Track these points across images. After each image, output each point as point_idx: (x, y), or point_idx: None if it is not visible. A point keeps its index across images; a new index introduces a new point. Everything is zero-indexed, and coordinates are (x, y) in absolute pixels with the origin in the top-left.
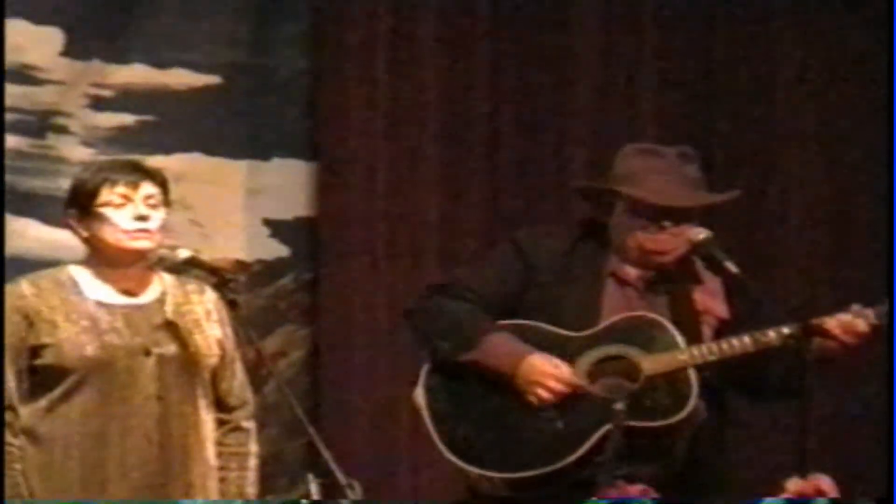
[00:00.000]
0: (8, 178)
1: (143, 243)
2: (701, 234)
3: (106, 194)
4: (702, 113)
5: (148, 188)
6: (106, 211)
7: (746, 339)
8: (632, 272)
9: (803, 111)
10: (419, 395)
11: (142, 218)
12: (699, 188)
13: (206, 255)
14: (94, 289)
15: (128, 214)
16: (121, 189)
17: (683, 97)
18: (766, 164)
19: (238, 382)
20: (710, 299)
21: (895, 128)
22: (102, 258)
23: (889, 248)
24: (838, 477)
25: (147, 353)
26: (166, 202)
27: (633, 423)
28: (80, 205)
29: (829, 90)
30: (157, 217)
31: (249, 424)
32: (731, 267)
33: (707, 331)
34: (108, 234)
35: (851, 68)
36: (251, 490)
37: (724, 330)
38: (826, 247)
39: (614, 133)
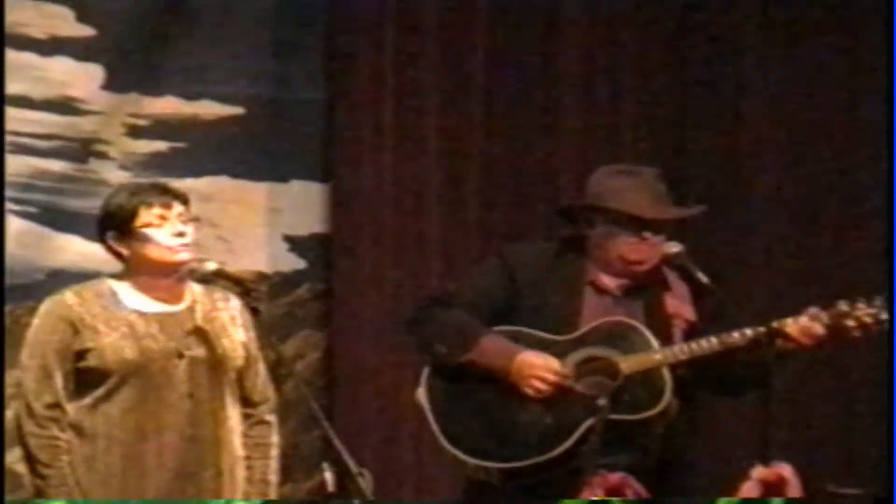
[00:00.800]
0: (53, 198)
1: (184, 256)
2: (674, 247)
3: (144, 216)
4: (676, 127)
5: (178, 207)
6: (148, 231)
7: (714, 339)
8: (609, 281)
9: (771, 122)
10: (421, 394)
11: (181, 234)
12: (671, 204)
13: (232, 268)
14: (132, 298)
15: (167, 232)
16: (157, 210)
17: (661, 113)
18: (734, 175)
19: (261, 380)
20: (680, 304)
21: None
22: (142, 272)
23: (890, 246)
24: (802, 467)
25: (180, 356)
26: (193, 218)
27: (614, 417)
28: (119, 227)
29: (795, 99)
30: (190, 232)
31: (272, 418)
32: (702, 278)
33: (677, 333)
34: (153, 252)
35: (814, 75)
36: (273, 478)
37: (692, 332)
38: (790, 251)
39: (598, 153)
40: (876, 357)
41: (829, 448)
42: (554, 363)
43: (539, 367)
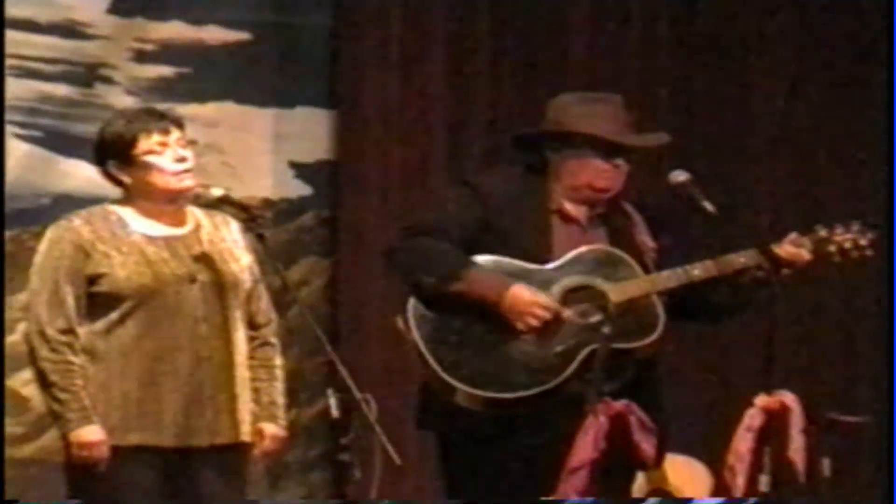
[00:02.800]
0: (59, 123)
1: (188, 182)
2: (681, 176)
3: (144, 143)
4: (682, 65)
5: (176, 132)
6: (149, 158)
7: (710, 264)
8: (574, 210)
9: (773, 52)
10: (405, 324)
11: (182, 159)
12: (637, 131)
13: (237, 194)
14: (138, 223)
15: (169, 158)
16: (157, 137)
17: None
18: (736, 102)
19: (264, 303)
20: (643, 232)
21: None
22: (145, 199)
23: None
24: (804, 394)
25: (192, 280)
26: (190, 141)
27: (617, 346)
28: (119, 155)
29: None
30: (191, 156)
31: (275, 340)
32: (708, 206)
33: (648, 261)
34: (157, 179)
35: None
36: (281, 399)
37: (658, 260)
38: (791, 178)
39: (605, 72)
40: (877, 285)
41: (832, 376)
42: (545, 299)
43: (531, 303)
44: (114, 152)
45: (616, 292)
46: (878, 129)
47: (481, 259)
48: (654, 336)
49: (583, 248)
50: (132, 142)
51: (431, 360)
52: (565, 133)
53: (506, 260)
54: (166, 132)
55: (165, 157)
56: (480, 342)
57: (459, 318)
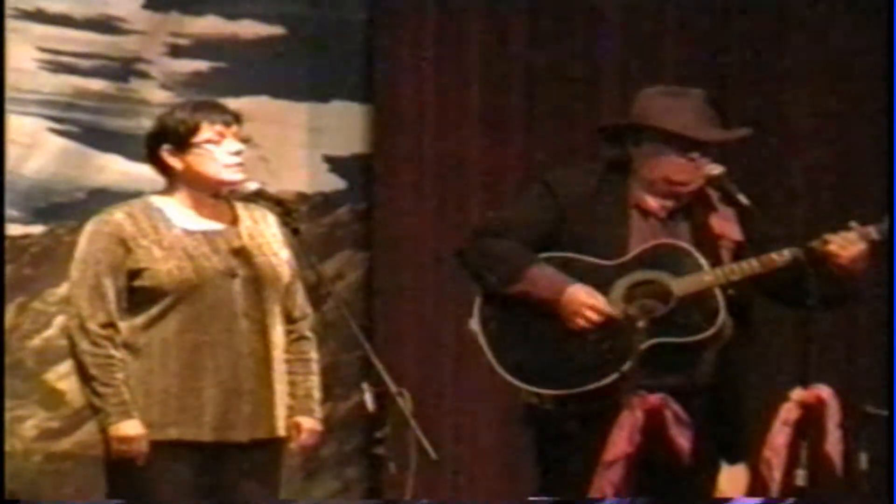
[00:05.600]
0: (94, 117)
1: (237, 175)
2: (716, 169)
3: (206, 131)
4: (717, 53)
5: (234, 126)
6: (207, 146)
7: (765, 258)
8: (654, 203)
9: (809, 49)
10: (474, 323)
11: (237, 153)
12: (718, 126)
13: (272, 188)
14: (178, 216)
15: (225, 149)
16: (218, 127)
17: (701, 34)
18: (774, 99)
19: (300, 297)
20: (726, 225)
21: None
22: (190, 188)
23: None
24: (841, 389)
25: (233, 275)
26: (245, 139)
27: (668, 340)
28: (177, 139)
29: (834, 27)
30: (244, 151)
31: (311, 334)
32: (743, 199)
33: (725, 254)
34: (209, 167)
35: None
36: (317, 393)
37: (740, 252)
38: (829, 174)
39: (640, 75)
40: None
41: (868, 369)
42: (599, 301)
43: (585, 305)
44: (173, 137)
45: (679, 286)
46: None
47: (550, 256)
48: (711, 330)
49: (651, 243)
50: (195, 128)
51: (494, 360)
52: (644, 126)
53: (575, 256)
54: (228, 124)
55: (222, 147)
56: (542, 341)
57: (523, 317)
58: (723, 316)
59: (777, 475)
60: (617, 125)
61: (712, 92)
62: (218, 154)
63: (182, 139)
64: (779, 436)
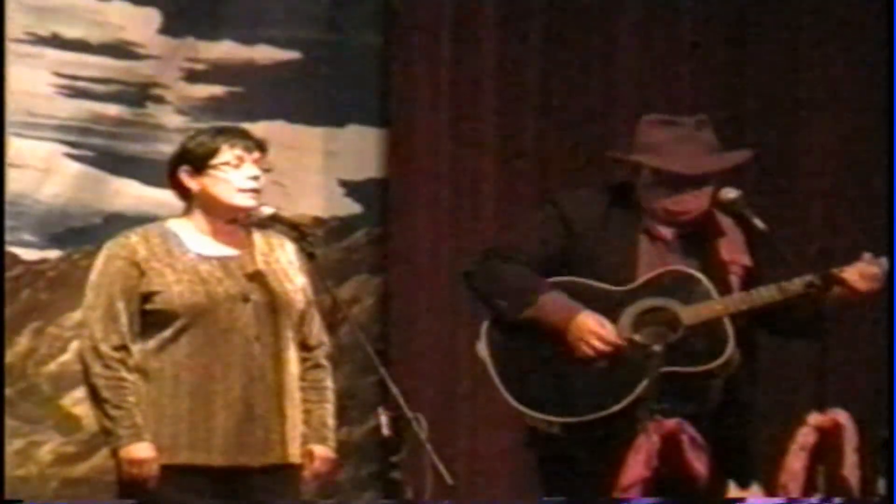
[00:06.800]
0: (110, 142)
1: (251, 202)
2: (731, 193)
3: (225, 154)
4: (733, 77)
5: (256, 153)
6: (224, 169)
7: (773, 287)
8: (662, 229)
9: (825, 76)
10: (482, 348)
11: (255, 178)
12: (714, 151)
13: (288, 212)
14: (193, 241)
15: (242, 174)
16: (238, 151)
17: (716, 61)
18: (788, 123)
19: (316, 325)
20: (734, 250)
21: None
22: (206, 212)
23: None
24: (857, 413)
25: (246, 300)
26: (267, 168)
27: (676, 369)
28: (196, 162)
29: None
30: (262, 179)
31: (326, 362)
32: (759, 224)
33: (734, 280)
34: (223, 191)
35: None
36: (332, 421)
37: (749, 278)
38: (843, 201)
39: (655, 99)
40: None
41: (886, 394)
42: (607, 330)
43: (593, 334)
44: (192, 158)
45: (688, 314)
46: None
47: (559, 280)
48: (722, 359)
49: (661, 269)
50: (214, 151)
51: (500, 384)
52: (636, 161)
53: (584, 282)
54: (249, 150)
55: (240, 172)
56: (548, 366)
57: (530, 342)
58: (732, 345)
59: (794, 500)
60: (612, 156)
61: (723, 115)
62: (234, 178)
63: (200, 161)
64: (796, 460)
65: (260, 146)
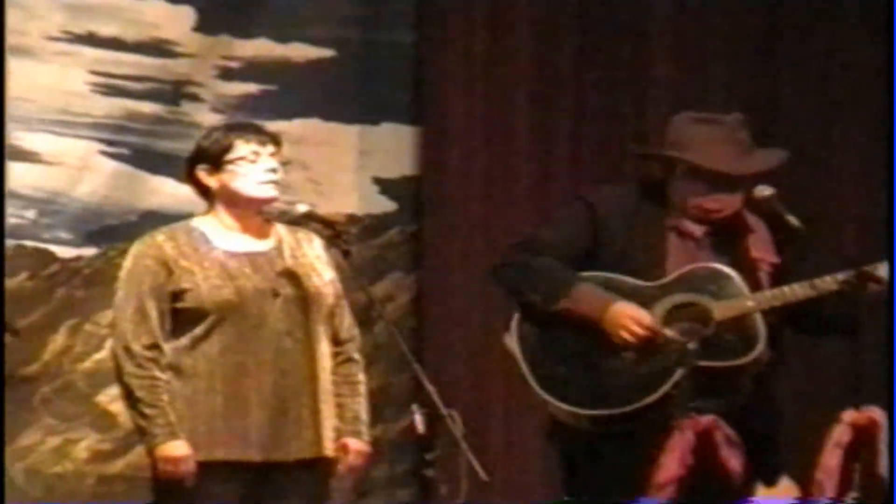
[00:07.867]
0: (145, 140)
1: (272, 193)
2: (766, 191)
3: (240, 149)
4: (767, 78)
5: (271, 147)
6: (240, 164)
7: (807, 284)
8: (691, 226)
9: (856, 74)
10: (512, 341)
11: (272, 170)
12: (751, 152)
13: (322, 210)
14: (219, 238)
15: (260, 168)
16: (253, 146)
17: (750, 63)
18: (824, 121)
19: (347, 319)
20: (763, 247)
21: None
22: (229, 208)
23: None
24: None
25: (276, 294)
26: (284, 162)
27: (706, 364)
28: (212, 160)
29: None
30: (280, 171)
31: (358, 356)
32: (793, 221)
33: (763, 277)
34: (242, 185)
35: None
36: (365, 416)
37: (777, 275)
38: (878, 199)
39: (688, 95)
40: None
41: None
42: (645, 316)
43: (630, 319)
44: (207, 157)
45: (720, 310)
46: None
47: (590, 275)
48: (753, 355)
49: (692, 265)
50: (228, 147)
51: (529, 376)
52: (674, 157)
53: (615, 276)
54: (263, 143)
55: (257, 166)
56: (578, 359)
57: (560, 335)
58: (763, 342)
59: (830, 497)
60: (649, 154)
61: (758, 115)
62: (252, 172)
63: (216, 158)
64: (831, 458)
65: (274, 140)
